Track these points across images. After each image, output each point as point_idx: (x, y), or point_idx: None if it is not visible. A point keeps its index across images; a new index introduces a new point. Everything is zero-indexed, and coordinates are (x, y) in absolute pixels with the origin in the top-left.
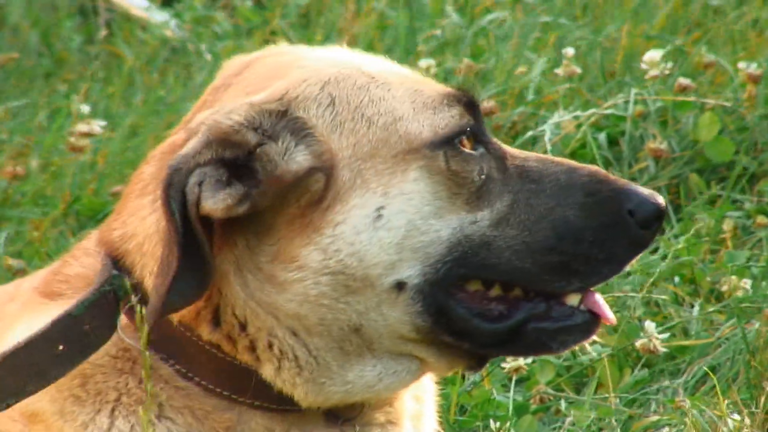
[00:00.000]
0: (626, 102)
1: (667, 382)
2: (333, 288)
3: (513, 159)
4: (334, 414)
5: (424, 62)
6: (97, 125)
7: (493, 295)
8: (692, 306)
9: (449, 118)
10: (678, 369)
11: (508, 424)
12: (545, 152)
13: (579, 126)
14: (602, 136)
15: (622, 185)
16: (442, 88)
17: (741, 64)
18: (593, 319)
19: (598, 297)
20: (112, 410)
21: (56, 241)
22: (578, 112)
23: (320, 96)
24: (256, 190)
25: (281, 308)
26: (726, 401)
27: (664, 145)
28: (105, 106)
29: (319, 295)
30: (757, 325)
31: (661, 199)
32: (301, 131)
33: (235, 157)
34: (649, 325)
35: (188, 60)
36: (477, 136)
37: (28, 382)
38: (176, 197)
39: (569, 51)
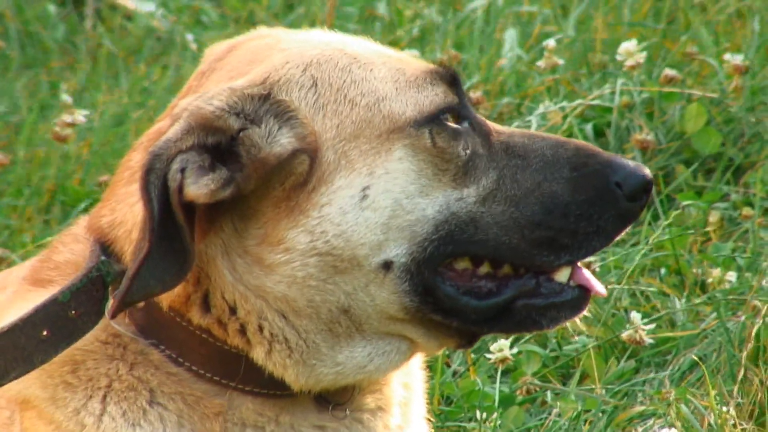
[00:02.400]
0: (612, 93)
1: (653, 374)
2: (320, 269)
3: (498, 135)
4: (325, 399)
5: (406, 52)
6: (80, 115)
7: (482, 272)
8: (678, 298)
9: (433, 96)
10: (664, 360)
11: (494, 415)
12: None
13: (565, 117)
14: (589, 127)
15: (609, 158)
16: (425, 66)
17: (727, 56)
18: (583, 294)
19: (587, 272)
20: (104, 396)
21: (41, 230)
22: (564, 103)
23: (302, 78)
24: (240, 174)
25: (270, 291)
26: (712, 392)
27: (650, 137)
28: (90, 96)
29: (306, 277)
30: (743, 318)
31: (647, 171)
32: (284, 114)
33: (218, 143)
34: (635, 316)
35: (174, 50)
36: (461, 113)
37: (13, 366)
38: (156, 183)
39: (550, 43)
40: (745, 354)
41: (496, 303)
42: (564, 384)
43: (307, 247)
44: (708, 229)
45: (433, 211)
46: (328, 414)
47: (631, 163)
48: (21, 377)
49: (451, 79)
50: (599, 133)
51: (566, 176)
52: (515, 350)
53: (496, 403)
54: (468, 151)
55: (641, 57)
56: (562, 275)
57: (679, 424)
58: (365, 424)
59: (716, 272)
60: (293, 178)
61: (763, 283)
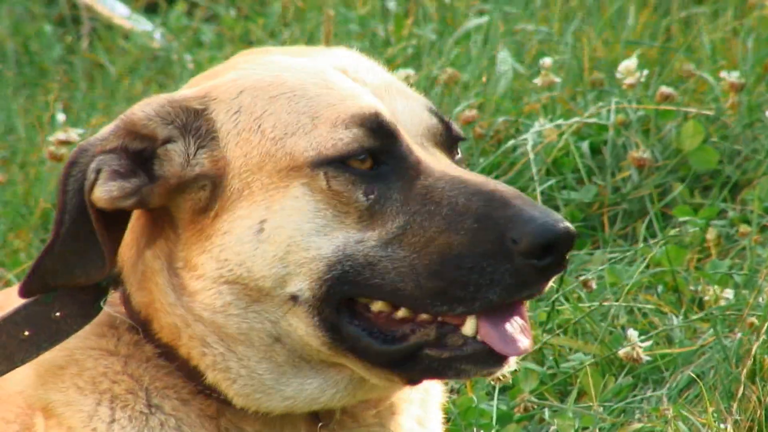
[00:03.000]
0: (608, 111)
1: (650, 391)
2: (237, 297)
3: (427, 179)
4: (316, 415)
5: (402, 72)
6: (74, 133)
7: (398, 317)
8: (675, 315)
9: (338, 140)
10: (661, 377)
11: None
12: (527, 161)
13: (561, 135)
14: (585, 145)
15: (516, 212)
16: (358, 109)
17: (723, 73)
18: (486, 351)
19: (498, 328)
20: (110, 401)
21: (38, 249)
22: (560, 121)
23: (234, 101)
24: (146, 187)
25: (201, 316)
26: (710, 409)
27: (647, 154)
28: (87, 115)
29: (225, 305)
30: (740, 335)
31: (559, 229)
32: (208, 134)
33: (142, 149)
34: (632, 334)
35: (171, 69)
36: (381, 158)
37: None
38: (78, 176)
39: (547, 61)
40: (744, 371)
41: (399, 349)
42: (561, 401)
43: (216, 275)
44: (706, 244)
45: (329, 250)
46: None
47: (540, 219)
48: (4, 375)
49: (375, 126)
50: (596, 151)
51: (467, 227)
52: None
53: (494, 421)
54: (372, 197)
55: (641, 75)
56: (468, 327)
57: None
58: None
59: (713, 289)
60: (192, 202)
61: (760, 299)
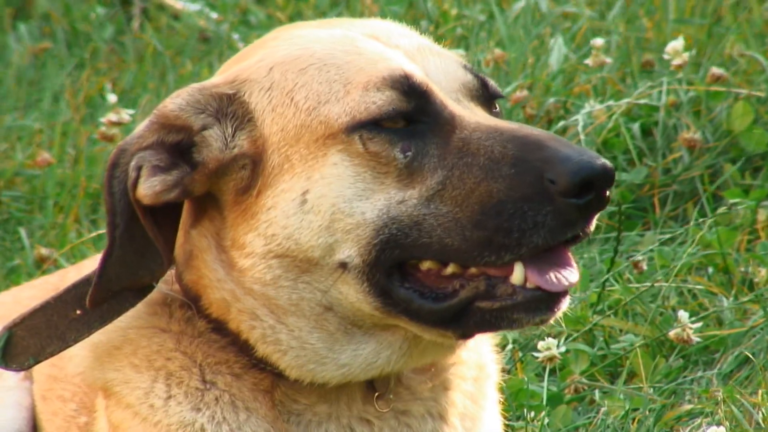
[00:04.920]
0: (659, 92)
1: (700, 372)
2: (286, 269)
3: (462, 131)
4: (372, 386)
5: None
6: (126, 114)
7: (447, 273)
8: (726, 296)
9: (370, 103)
10: (712, 359)
11: (542, 413)
12: (578, 142)
13: (611, 116)
14: (636, 127)
15: (551, 153)
16: (388, 71)
17: None
18: (541, 296)
19: (545, 272)
20: (166, 378)
21: (88, 230)
22: (611, 102)
23: (264, 79)
24: (188, 176)
25: (251, 289)
26: (761, 391)
27: (697, 135)
28: (137, 96)
29: (275, 278)
30: None
31: (596, 165)
32: (245, 116)
33: (179, 141)
34: (683, 315)
35: (220, 49)
36: (416, 116)
37: (48, 343)
38: (121, 177)
39: (598, 41)
40: None
41: (450, 305)
42: (612, 383)
43: (264, 251)
44: (756, 227)
45: (373, 215)
46: (373, 407)
47: (575, 158)
48: (59, 354)
49: (407, 87)
50: (646, 132)
51: (505, 173)
52: (563, 349)
53: (544, 402)
54: (409, 153)
55: (689, 56)
56: (517, 276)
57: (727, 423)
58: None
59: (764, 271)
60: (235, 182)
61: None
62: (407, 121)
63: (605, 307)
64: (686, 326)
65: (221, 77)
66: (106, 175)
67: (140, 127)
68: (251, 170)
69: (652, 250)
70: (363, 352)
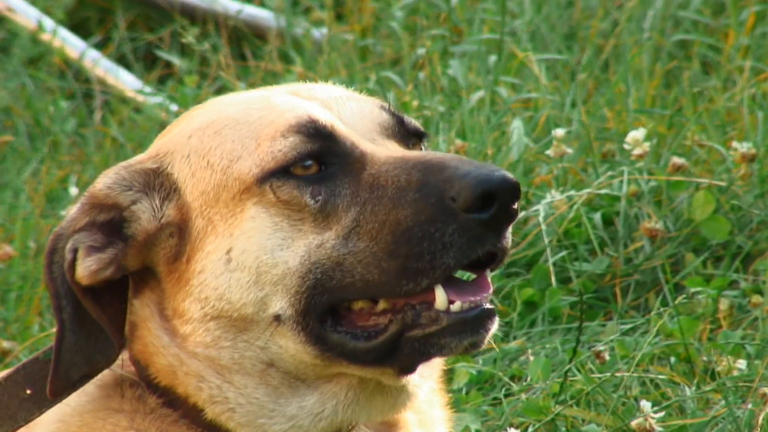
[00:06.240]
0: (620, 182)
1: None
2: (224, 330)
3: (373, 167)
4: None
5: None
6: None
7: (379, 309)
8: (688, 385)
9: (277, 152)
10: None
11: None
12: (539, 233)
13: (572, 206)
14: (597, 216)
15: (451, 172)
16: (294, 118)
17: (735, 144)
18: (465, 318)
19: (465, 292)
20: None
21: (51, 323)
22: (572, 192)
23: (184, 148)
24: (121, 252)
25: (195, 354)
26: None
27: (659, 225)
28: None
29: (215, 339)
30: (750, 405)
31: (494, 177)
32: (170, 187)
33: (110, 219)
34: (645, 405)
35: None
36: (327, 159)
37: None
38: (59, 262)
39: (559, 132)
40: None
41: (383, 341)
42: None
43: (201, 314)
44: (717, 316)
45: (296, 263)
46: None
47: (474, 173)
48: None
49: (311, 130)
50: (608, 222)
51: (410, 199)
52: None
53: None
54: (320, 198)
55: (649, 146)
56: (440, 302)
57: None
58: None
59: (726, 360)
60: (164, 251)
61: None
62: (320, 165)
63: (567, 396)
64: (649, 416)
65: (147, 152)
66: (45, 261)
67: (73, 210)
68: (178, 238)
69: (613, 340)
70: (307, 404)
